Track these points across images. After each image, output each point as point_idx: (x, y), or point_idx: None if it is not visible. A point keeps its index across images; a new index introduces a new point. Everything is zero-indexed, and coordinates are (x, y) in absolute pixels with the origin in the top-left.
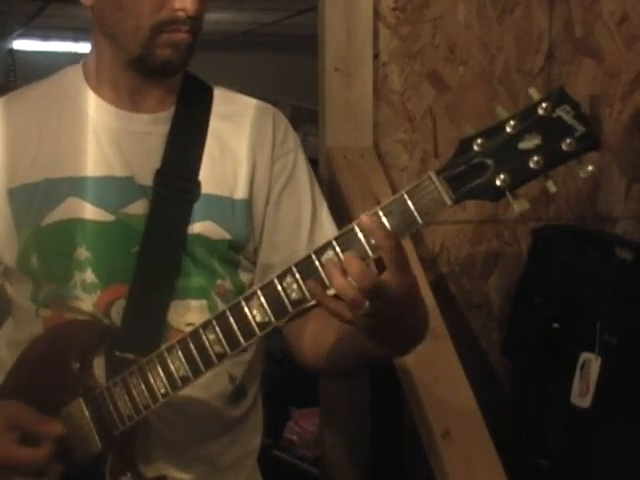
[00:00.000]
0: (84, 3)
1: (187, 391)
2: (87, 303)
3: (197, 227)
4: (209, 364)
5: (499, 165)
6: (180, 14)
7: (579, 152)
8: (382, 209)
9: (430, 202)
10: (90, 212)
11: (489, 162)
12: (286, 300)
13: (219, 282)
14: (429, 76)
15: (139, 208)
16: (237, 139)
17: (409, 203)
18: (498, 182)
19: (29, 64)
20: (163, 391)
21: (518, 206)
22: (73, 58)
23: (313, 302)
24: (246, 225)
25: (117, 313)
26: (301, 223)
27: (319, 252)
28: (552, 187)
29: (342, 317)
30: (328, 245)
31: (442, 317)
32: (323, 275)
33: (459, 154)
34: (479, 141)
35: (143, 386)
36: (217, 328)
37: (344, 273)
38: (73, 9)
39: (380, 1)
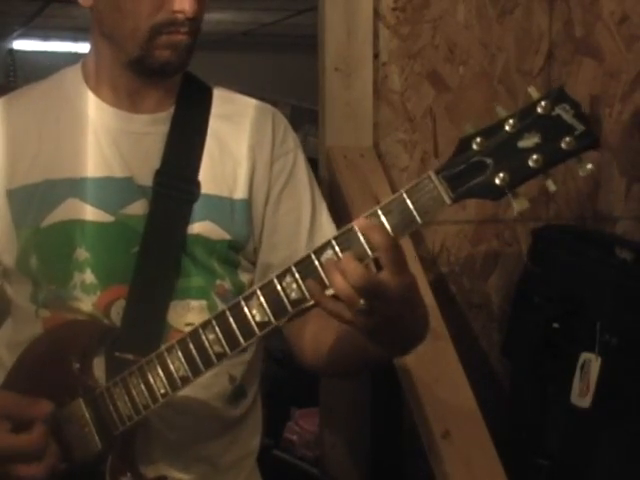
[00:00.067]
0: (83, 4)
1: (187, 391)
2: (86, 304)
3: (197, 227)
4: (209, 364)
5: (498, 164)
6: (179, 16)
7: (578, 151)
8: (381, 208)
9: (429, 201)
10: (90, 213)
11: (488, 161)
12: (285, 300)
13: (219, 282)
14: (429, 76)
15: (138, 208)
16: (236, 139)
17: (408, 202)
18: (497, 181)
19: (29, 64)
20: (163, 391)
21: (518, 205)
22: (73, 58)
23: (312, 302)
24: (246, 225)
25: (117, 313)
26: (301, 223)
27: (319, 252)
28: (552, 186)
29: (341, 317)
30: (327, 245)
31: (442, 317)
32: (322, 275)
33: (458, 153)
34: (478, 140)
35: (143, 386)
36: (217, 328)
37: (342, 272)
38: (73, 9)
39: (380, 1)
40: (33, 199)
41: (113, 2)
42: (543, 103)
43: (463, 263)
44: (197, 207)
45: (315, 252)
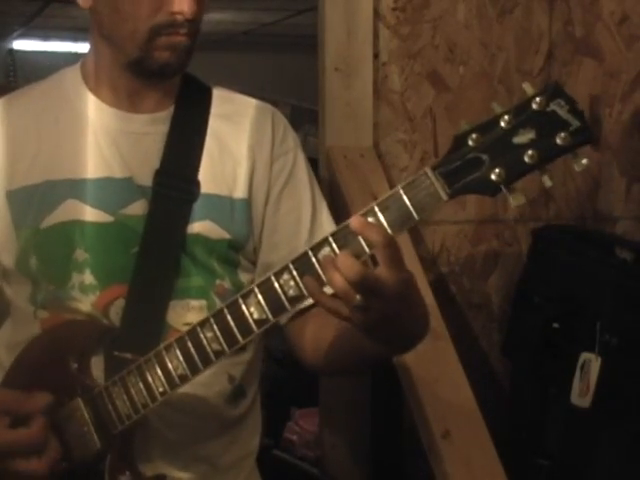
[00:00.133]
0: (82, 5)
1: (186, 391)
2: (85, 304)
3: (196, 227)
4: (207, 362)
5: (494, 160)
6: (178, 17)
7: (574, 146)
8: (378, 205)
9: (426, 197)
10: (89, 214)
11: (484, 157)
12: (283, 297)
13: (218, 282)
14: (429, 76)
15: (138, 208)
16: (236, 139)
17: (405, 198)
18: (493, 177)
19: (29, 64)
20: (161, 390)
21: (514, 200)
22: (73, 58)
23: (310, 299)
24: (245, 225)
25: (116, 313)
26: (301, 222)
27: (316, 248)
28: (548, 181)
29: (338, 314)
30: (325, 242)
31: (442, 317)
32: (320, 271)
33: (454, 149)
34: (474, 136)
35: (141, 385)
36: (215, 326)
37: (338, 268)
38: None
39: (380, 1)
40: (33, 200)
41: (112, 3)
42: (538, 99)
43: (463, 263)
44: (197, 206)
45: (312, 249)
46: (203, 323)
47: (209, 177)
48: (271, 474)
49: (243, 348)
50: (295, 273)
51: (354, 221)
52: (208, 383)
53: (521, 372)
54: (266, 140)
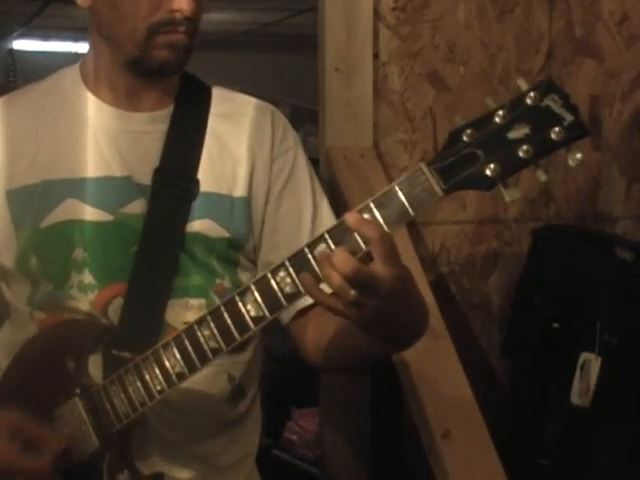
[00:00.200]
0: (81, 5)
1: (186, 390)
2: (84, 303)
3: (196, 225)
4: (204, 360)
5: (489, 155)
6: (177, 15)
7: (568, 141)
8: (374, 201)
9: (421, 193)
10: (88, 213)
11: (479, 152)
12: (280, 294)
13: (218, 281)
14: (429, 76)
15: (137, 207)
16: (236, 138)
17: (400, 195)
18: (488, 172)
19: (29, 64)
20: (159, 388)
21: (509, 195)
22: (73, 58)
23: (306, 296)
24: (245, 223)
25: (114, 312)
26: (302, 222)
27: (312, 245)
28: (542, 176)
29: (335, 310)
30: (321, 238)
31: (442, 317)
32: (316, 268)
33: (449, 145)
34: (468, 132)
35: (139, 383)
36: (212, 324)
37: (333, 264)
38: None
39: (380, 1)
40: (32, 200)
41: (111, 2)
42: (532, 94)
43: (463, 263)
44: (196, 205)
45: (308, 246)
46: (200, 321)
47: (209, 176)
48: (271, 474)
49: (242, 348)
50: (291, 270)
51: (349, 217)
52: (208, 383)
53: (521, 372)
54: (266, 139)
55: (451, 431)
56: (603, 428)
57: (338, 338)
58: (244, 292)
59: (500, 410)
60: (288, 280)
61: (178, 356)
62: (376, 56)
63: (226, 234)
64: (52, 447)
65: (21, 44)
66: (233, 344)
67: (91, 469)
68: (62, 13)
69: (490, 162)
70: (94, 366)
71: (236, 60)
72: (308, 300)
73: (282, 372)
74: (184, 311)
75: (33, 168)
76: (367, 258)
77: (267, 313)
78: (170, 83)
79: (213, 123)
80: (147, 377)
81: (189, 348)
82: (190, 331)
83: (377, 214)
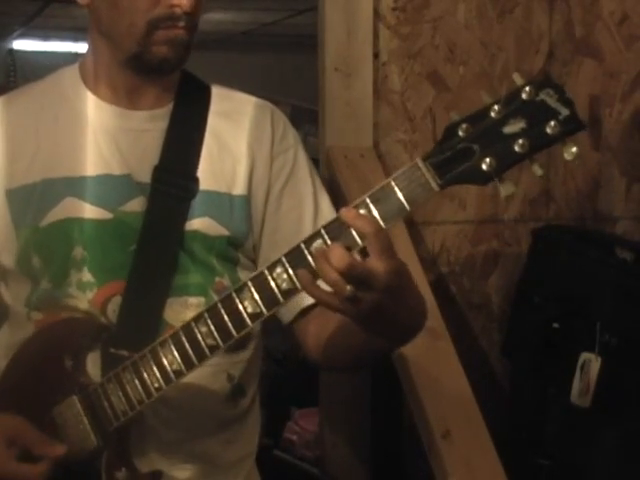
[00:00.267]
0: (80, 2)
1: (185, 389)
2: (82, 301)
3: (195, 223)
4: (202, 357)
5: (485, 149)
6: (176, 10)
7: (563, 135)
8: (370, 197)
9: (417, 188)
10: (88, 211)
11: (475, 147)
12: (277, 290)
13: (217, 279)
14: (429, 76)
15: (137, 205)
16: (235, 137)
17: (396, 190)
18: (484, 166)
19: (29, 64)
20: (157, 385)
21: (504, 190)
22: (73, 58)
23: (303, 292)
24: (245, 222)
25: (113, 310)
26: (303, 221)
27: (308, 241)
28: (538, 171)
29: (332, 306)
30: (317, 234)
31: (442, 317)
32: (312, 264)
33: (445, 140)
34: (464, 127)
35: (137, 381)
36: (209, 321)
37: (329, 259)
38: (73, 9)
39: (380, 1)
40: (32, 198)
41: None
42: (527, 88)
43: (463, 263)
44: (196, 203)
45: (305, 242)
46: (197, 318)
47: (208, 174)
48: (271, 474)
49: (242, 346)
50: (288, 266)
51: (344, 212)
52: (207, 382)
53: (521, 372)
54: (266, 138)
55: (451, 431)
56: (603, 428)
57: (338, 336)
58: (241, 289)
59: (500, 410)
60: (285, 276)
61: (175, 353)
62: (376, 56)
63: (225, 232)
64: (50, 454)
65: (21, 44)
66: (230, 341)
67: (89, 467)
68: (62, 13)
69: (486, 156)
70: (92, 365)
71: (236, 60)
72: (310, 300)
73: (282, 372)
74: (183, 309)
75: (33, 167)
76: (363, 253)
77: (264, 309)
78: (169, 81)
79: (213, 121)
80: (145, 375)
81: (186, 345)
82: (187, 328)
83: (373, 209)
